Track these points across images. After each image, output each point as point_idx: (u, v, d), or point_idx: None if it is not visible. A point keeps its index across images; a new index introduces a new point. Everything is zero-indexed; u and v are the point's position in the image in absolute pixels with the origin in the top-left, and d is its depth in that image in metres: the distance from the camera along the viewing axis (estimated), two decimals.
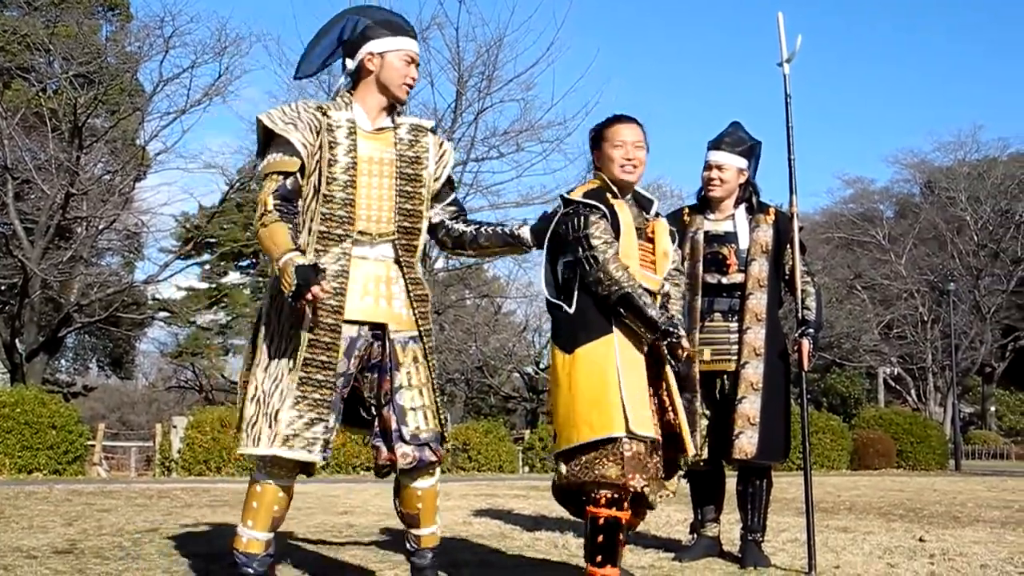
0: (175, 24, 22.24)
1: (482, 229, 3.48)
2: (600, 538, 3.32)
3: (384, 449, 3.25)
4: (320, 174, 3.20)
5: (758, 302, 4.40)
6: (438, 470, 3.39)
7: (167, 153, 24.70)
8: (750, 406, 4.30)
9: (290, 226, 3.19)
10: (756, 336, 4.37)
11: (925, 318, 38.74)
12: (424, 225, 3.40)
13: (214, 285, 36.13)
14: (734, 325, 4.42)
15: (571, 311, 3.46)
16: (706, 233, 4.50)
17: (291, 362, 3.15)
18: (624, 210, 3.56)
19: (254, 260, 36.93)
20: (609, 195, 3.57)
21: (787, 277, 4.50)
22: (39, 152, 21.79)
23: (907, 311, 38.66)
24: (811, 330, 4.42)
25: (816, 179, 60.24)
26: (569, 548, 4.86)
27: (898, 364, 39.65)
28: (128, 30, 25.76)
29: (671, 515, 6.94)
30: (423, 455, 3.24)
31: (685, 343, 3.50)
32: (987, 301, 39.59)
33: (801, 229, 4.46)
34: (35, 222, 22.40)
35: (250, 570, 3.25)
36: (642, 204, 3.71)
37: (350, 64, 3.36)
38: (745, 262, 4.43)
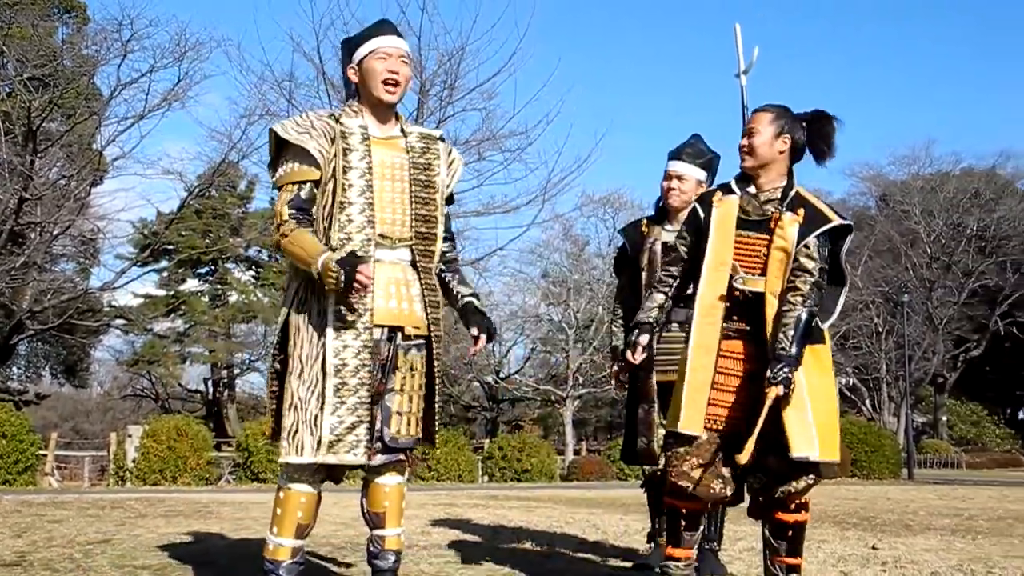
0: (133, 28, 22.02)
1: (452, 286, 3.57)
2: (673, 524, 3.55)
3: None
4: (336, 181, 3.23)
5: None
6: (407, 470, 3.47)
7: (124, 158, 24.45)
8: None
9: (311, 229, 3.23)
10: None
11: (879, 329, 39.28)
12: (441, 231, 3.45)
13: (172, 292, 35.71)
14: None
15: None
16: (664, 244, 4.48)
17: (323, 368, 3.17)
18: (724, 205, 3.56)
19: (212, 267, 36.62)
20: (721, 191, 3.62)
21: None
22: None
23: (862, 322, 39.17)
24: None
25: None
26: (527, 557, 4.86)
27: (853, 374, 40.15)
28: (85, 33, 25.47)
29: (629, 524, 6.97)
30: (395, 454, 3.33)
31: (629, 355, 3.60)
32: (939, 313, 40.26)
33: None
34: None
35: None
36: (785, 195, 3.60)
37: (344, 88, 3.47)
38: None
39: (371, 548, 3.42)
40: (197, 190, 27.57)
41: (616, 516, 7.89)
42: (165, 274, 35.83)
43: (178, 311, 35.37)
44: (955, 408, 44.33)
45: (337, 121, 3.29)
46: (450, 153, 3.54)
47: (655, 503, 4.66)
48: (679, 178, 4.50)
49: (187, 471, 17.09)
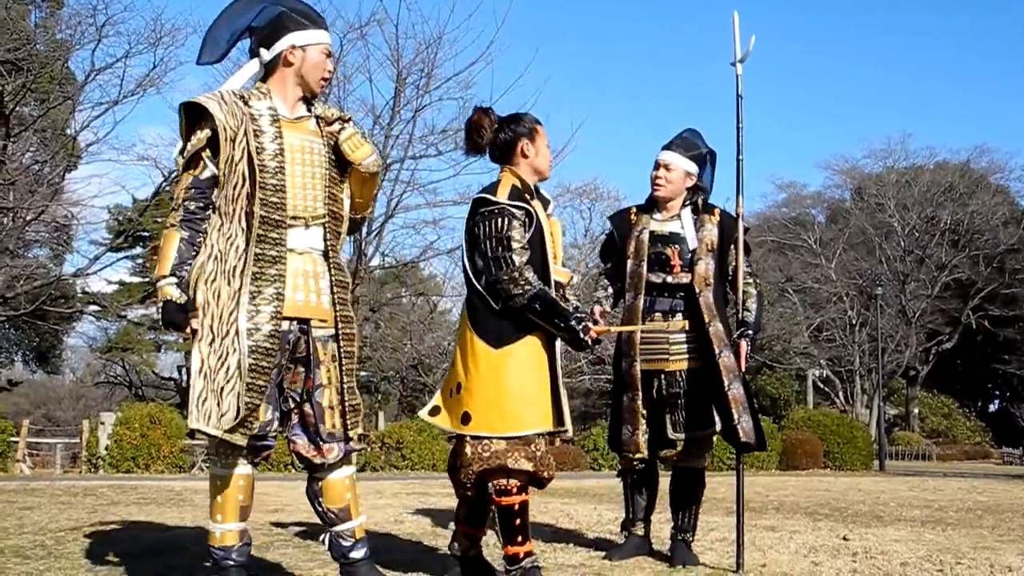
0: (108, 12, 21.81)
1: None
2: (517, 521, 3.51)
3: (306, 443, 3.30)
4: (251, 162, 3.19)
5: (708, 299, 4.36)
6: (355, 457, 3.48)
7: (99, 144, 24.20)
8: (738, 391, 4.24)
9: (187, 233, 3.23)
10: (719, 329, 4.32)
11: (853, 321, 39.55)
12: (347, 211, 3.47)
13: (147, 279, 35.40)
14: (674, 325, 4.41)
15: (497, 307, 3.53)
16: (651, 233, 4.47)
17: (235, 344, 3.14)
18: (540, 210, 3.68)
19: None
20: (526, 195, 3.67)
21: (730, 277, 4.50)
22: None
23: (836, 314, 39.43)
24: (749, 331, 4.42)
25: (751, 183, 60.99)
26: (499, 547, 4.86)
27: (827, 366, 40.40)
28: (59, 17, 25.11)
29: (602, 514, 7.00)
30: (347, 446, 3.33)
31: (595, 327, 3.59)
32: (912, 306, 40.58)
33: (747, 231, 4.49)
34: None
35: (230, 561, 3.24)
36: (543, 202, 3.81)
37: (266, 54, 3.35)
38: (691, 262, 4.40)
39: (340, 542, 3.39)
40: (173, 176, 27.31)
41: (589, 506, 7.92)
42: (140, 261, 35.51)
43: (153, 298, 35.06)
44: (927, 401, 44.72)
45: (246, 103, 3.25)
46: (344, 129, 3.44)
47: (632, 492, 4.65)
48: (666, 167, 4.47)
49: (160, 459, 17.01)
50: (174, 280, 3.17)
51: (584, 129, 64.60)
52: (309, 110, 3.42)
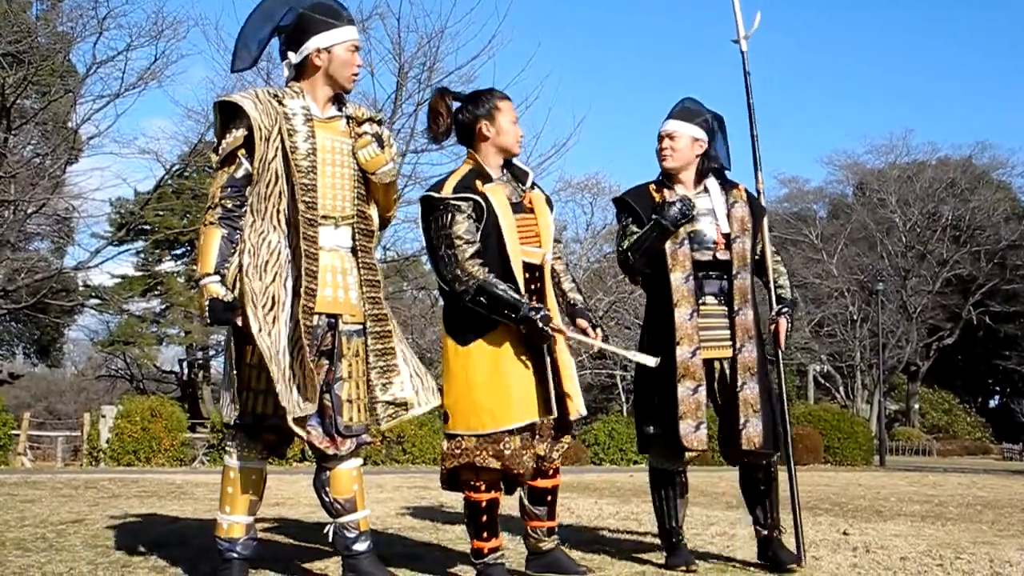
0: (109, 5, 21.76)
1: None
2: (484, 518, 3.53)
3: (321, 434, 3.31)
4: (285, 161, 3.22)
5: (744, 282, 4.07)
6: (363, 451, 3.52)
7: (100, 137, 24.21)
8: (751, 392, 3.96)
9: (226, 231, 3.24)
10: (747, 318, 4.04)
11: (854, 317, 39.55)
12: (375, 212, 3.49)
13: (148, 273, 35.40)
14: (726, 309, 4.06)
15: (460, 305, 3.50)
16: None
17: (282, 340, 3.17)
18: (497, 192, 3.57)
19: (190, 248, 36.32)
20: (479, 181, 3.57)
21: (757, 258, 4.22)
22: None
23: (837, 310, 39.44)
24: (787, 308, 4.20)
25: (751, 178, 60.68)
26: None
27: (828, 362, 40.43)
28: (60, 9, 25.06)
29: (603, 508, 7.02)
30: (359, 439, 3.37)
31: (555, 323, 3.49)
32: (913, 301, 40.59)
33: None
34: None
35: (234, 554, 3.28)
36: (518, 177, 3.73)
37: (293, 57, 3.37)
38: (728, 241, 4.07)
39: (345, 534, 3.40)
40: (174, 170, 27.32)
41: (590, 500, 7.93)
42: (142, 254, 35.52)
43: (154, 292, 35.09)
44: (927, 396, 44.75)
45: (280, 102, 3.28)
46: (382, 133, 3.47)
47: (678, 496, 4.17)
48: (670, 136, 4.12)
49: (161, 452, 17.05)
50: (217, 278, 3.21)
51: (586, 123, 64.46)
52: (340, 109, 3.44)
